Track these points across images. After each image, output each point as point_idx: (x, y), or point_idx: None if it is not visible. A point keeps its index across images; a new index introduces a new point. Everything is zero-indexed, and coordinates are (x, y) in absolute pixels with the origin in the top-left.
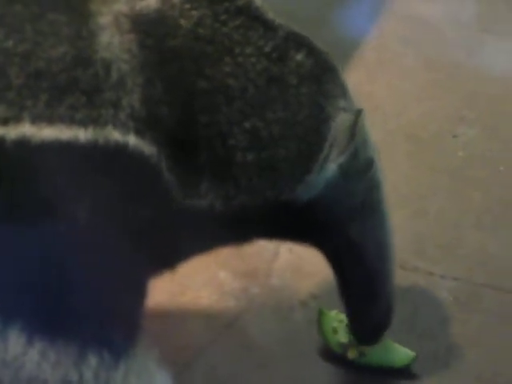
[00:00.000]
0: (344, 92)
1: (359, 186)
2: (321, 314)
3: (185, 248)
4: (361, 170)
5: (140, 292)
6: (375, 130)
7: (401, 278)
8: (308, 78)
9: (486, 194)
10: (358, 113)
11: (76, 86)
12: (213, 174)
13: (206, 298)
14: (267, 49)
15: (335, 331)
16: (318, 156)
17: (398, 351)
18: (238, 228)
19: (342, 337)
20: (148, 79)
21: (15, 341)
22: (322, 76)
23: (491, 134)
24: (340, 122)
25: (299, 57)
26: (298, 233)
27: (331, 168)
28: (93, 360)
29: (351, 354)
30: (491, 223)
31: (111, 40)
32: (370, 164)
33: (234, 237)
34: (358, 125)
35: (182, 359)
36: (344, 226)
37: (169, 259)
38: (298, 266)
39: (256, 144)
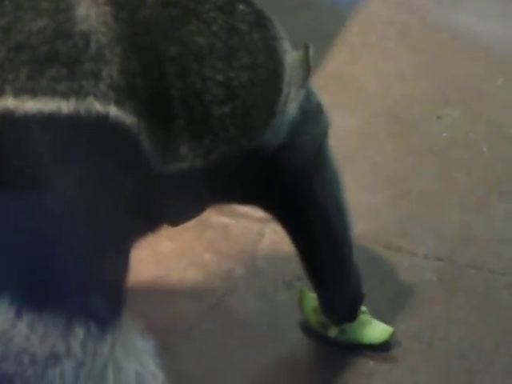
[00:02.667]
0: (284, 35)
1: (316, 130)
2: (302, 294)
3: (167, 211)
4: (315, 111)
5: (124, 263)
6: (359, 112)
7: (385, 258)
8: (255, 25)
9: (470, 174)
10: (307, 47)
11: (56, 58)
12: (192, 135)
13: (192, 279)
14: (219, 2)
15: (316, 311)
16: (280, 98)
17: (376, 327)
18: (216, 186)
19: (322, 316)
20: (124, 51)
21: (4, 315)
22: (264, 21)
23: (475, 116)
24: (291, 60)
25: (241, 6)
26: (269, 189)
27: (292, 107)
28: (80, 331)
29: (332, 332)
30: (475, 204)
31: (88, 12)
32: (320, 107)
33: (212, 197)
34: (309, 57)
35: (167, 340)
36: (309, 174)
37: (152, 225)
38: (283, 248)
39: (230, 94)
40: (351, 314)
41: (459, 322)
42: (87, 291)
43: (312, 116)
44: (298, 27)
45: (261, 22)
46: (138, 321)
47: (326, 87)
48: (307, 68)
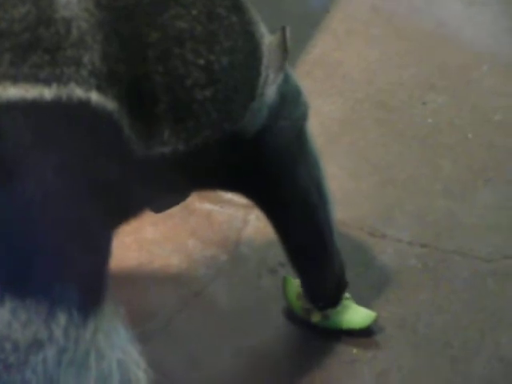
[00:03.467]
0: (259, 19)
1: (295, 113)
2: (285, 280)
3: (149, 197)
4: (294, 94)
5: (106, 250)
6: (344, 98)
7: (369, 244)
8: (232, 9)
9: (455, 161)
10: (283, 29)
11: (38, 45)
12: (174, 119)
13: (175, 266)
14: None
15: (299, 297)
16: (259, 81)
17: (359, 312)
18: (198, 171)
19: (305, 302)
20: (105, 37)
21: None
22: (241, 6)
23: (460, 102)
24: (268, 43)
25: None
26: (250, 174)
27: (271, 90)
28: (62, 318)
29: (315, 318)
30: (459, 190)
31: None
32: (298, 90)
33: (194, 182)
34: (286, 40)
35: (150, 327)
36: (290, 158)
37: (134, 211)
38: (267, 235)
39: (211, 78)
40: (334, 300)
41: (444, 309)
42: (69, 278)
43: (291, 99)
44: (282, 13)
45: (237, 5)
46: (120, 308)
47: (310, 74)
48: (285, 51)
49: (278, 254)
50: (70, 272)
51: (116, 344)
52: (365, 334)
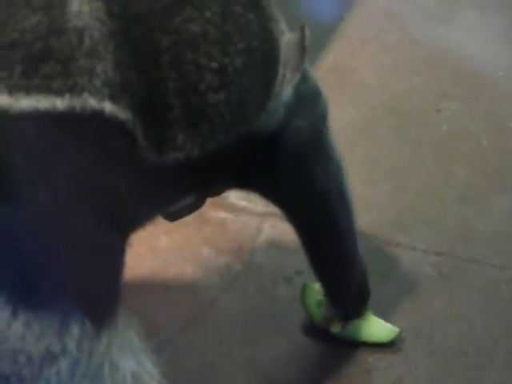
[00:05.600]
0: (280, 16)
1: (313, 114)
2: (305, 287)
3: (161, 203)
4: (311, 95)
5: (118, 261)
6: (358, 105)
7: (384, 253)
8: (250, 6)
9: (469, 168)
10: (303, 28)
11: (50, 55)
12: (188, 124)
13: (190, 274)
14: None
15: (319, 304)
16: (275, 80)
17: (382, 326)
18: (212, 173)
19: (326, 310)
20: (117, 45)
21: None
22: (259, 2)
23: (474, 108)
24: (286, 41)
25: None
26: (267, 175)
27: (287, 90)
28: (75, 330)
29: (335, 328)
30: (474, 197)
31: (81, 8)
32: (318, 90)
33: (207, 182)
34: (305, 39)
35: (164, 336)
36: (307, 158)
37: (145, 218)
38: (282, 242)
39: (224, 81)
40: (357, 310)
41: (459, 317)
42: (81, 289)
43: (309, 99)
44: (296, 20)
45: (255, 2)
46: (134, 318)
47: (324, 81)
48: (303, 49)
49: (294, 262)
50: (83, 284)
51: (130, 355)
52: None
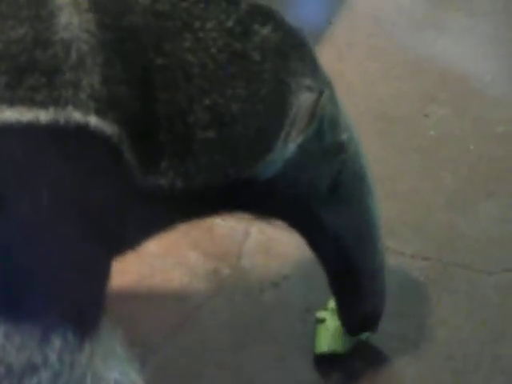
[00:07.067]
0: (313, 70)
1: (325, 168)
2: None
3: (146, 227)
4: (328, 152)
5: (102, 273)
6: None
7: None
8: (273, 54)
9: (457, 173)
10: (321, 93)
11: (35, 67)
12: (173, 152)
13: (177, 279)
14: (229, 23)
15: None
16: (279, 134)
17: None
18: (200, 205)
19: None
20: (107, 58)
21: None
22: (289, 52)
23: (462, 114)
24: (303, 100)
25: (265, 31)
26: (260, 208)
27: (291, 147)
28: (57, 342)
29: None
30: (461, 203)
31: (70, 20)
32: (339, 148)
33: (196, 213)
34: (319, 105)
35: (151, 341)
36: (310, 206)
37: (131, 238)
38: (269, 247)
39: (216, 121)
40: (361, 331)
41: (446, 322)
42: (64, 301)
43: (320, 157)
44: None
45: (283, 50)
46: (118, 327)
47: None
48: (312, 117)
49: (281, 267)
50: (66, 296)
51: (113, 366)
52: (367, 347)
